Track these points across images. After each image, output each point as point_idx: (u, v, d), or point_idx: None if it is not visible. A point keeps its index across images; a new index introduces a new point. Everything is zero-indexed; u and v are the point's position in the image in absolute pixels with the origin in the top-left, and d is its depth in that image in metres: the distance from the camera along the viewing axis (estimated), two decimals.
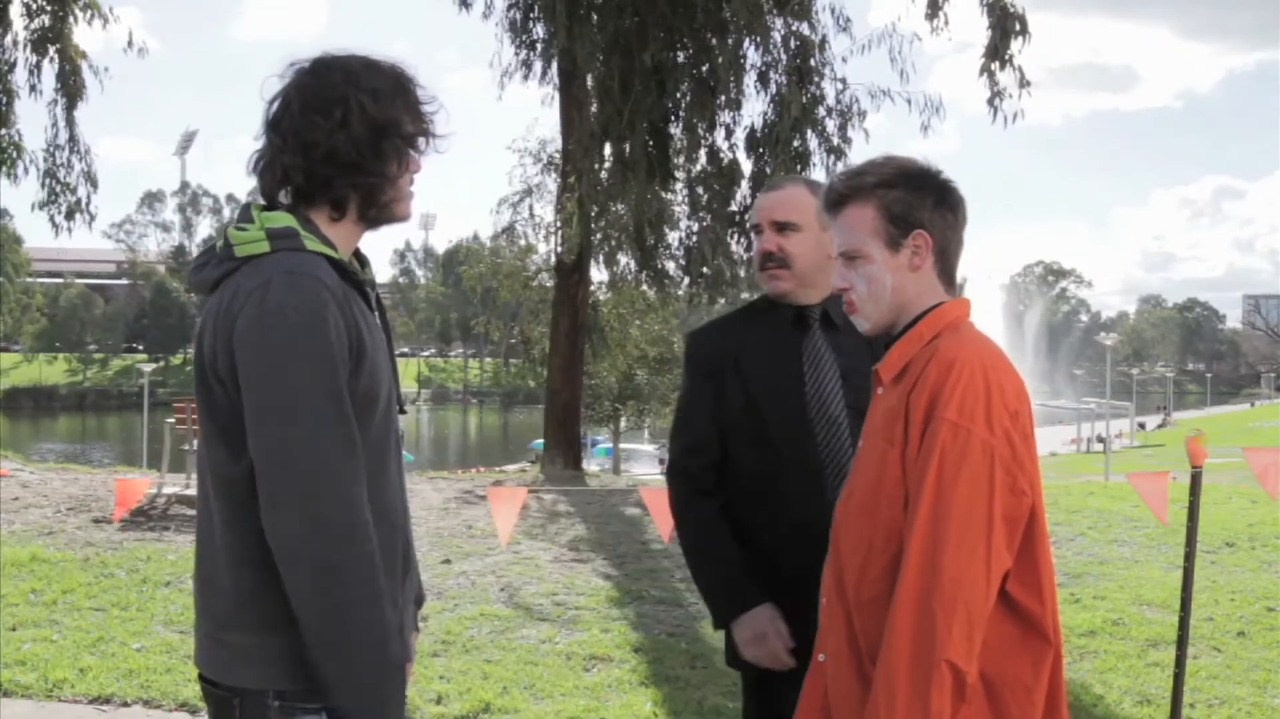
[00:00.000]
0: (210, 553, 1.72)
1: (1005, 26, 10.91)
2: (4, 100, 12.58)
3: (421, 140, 1.80)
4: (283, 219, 1.70)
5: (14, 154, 12.71)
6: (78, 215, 13.23)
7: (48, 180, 13.03)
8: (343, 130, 1.69)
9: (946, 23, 11.49)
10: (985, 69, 11.08)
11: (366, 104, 1.71)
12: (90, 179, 13.26)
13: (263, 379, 1.59)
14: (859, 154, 11.82)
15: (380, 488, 1.74)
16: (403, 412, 1.89)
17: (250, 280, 1.64)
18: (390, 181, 1.77)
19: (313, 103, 1.71)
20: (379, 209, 1.78)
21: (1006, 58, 11.00)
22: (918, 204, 1.83)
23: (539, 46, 14.39)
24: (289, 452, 1.58)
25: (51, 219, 13.17)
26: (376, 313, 1.84)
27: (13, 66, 12.59)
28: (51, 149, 13.00)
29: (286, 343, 1.59)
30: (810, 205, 2.37)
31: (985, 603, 1.65)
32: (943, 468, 1.67)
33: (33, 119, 14.30)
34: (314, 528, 1.58)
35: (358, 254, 1.87)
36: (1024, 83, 11.05)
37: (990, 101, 11.14)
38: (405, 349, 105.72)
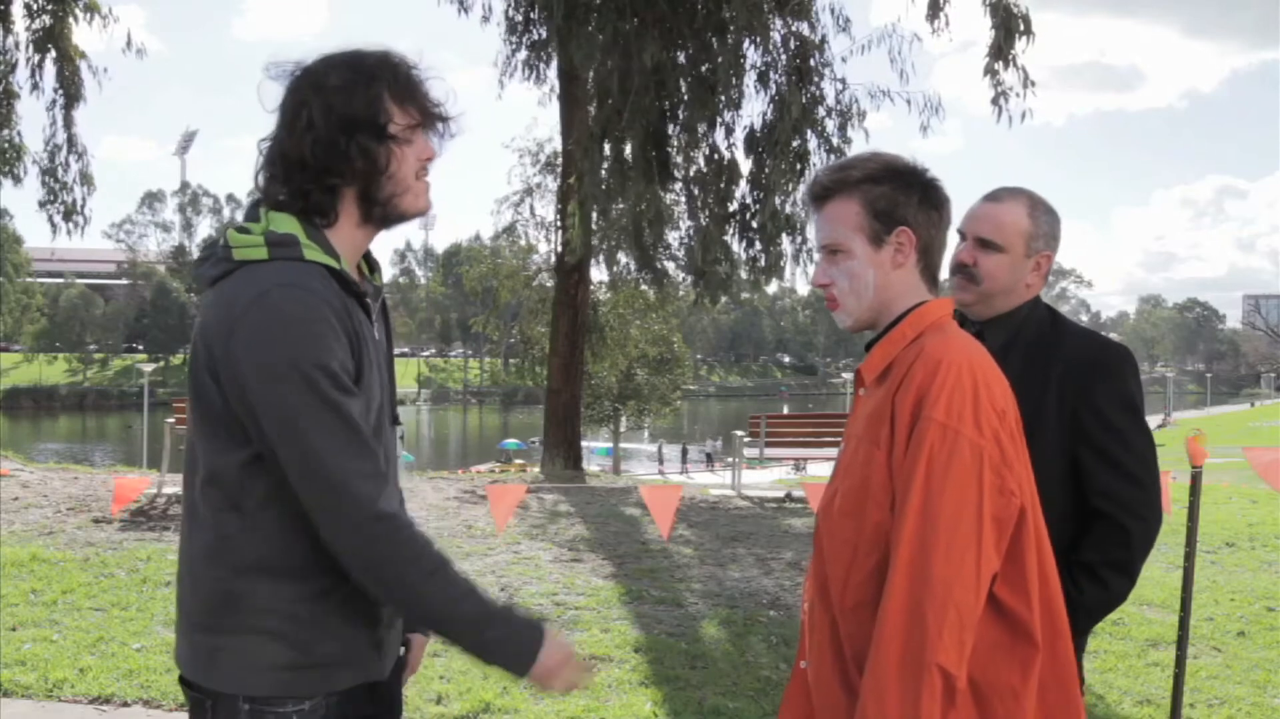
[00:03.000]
0: (188, 549, 1.71)
1: (1009, 26, 10.90)
2: (5, 102, 12.64)
3: (410, 120, 1.69)
4: (287, 224, 1.66)
5: (15, 155, 12.80)
6: (74, 216, 13.39)
7: (47, 180, 13.18)
8: (309, 134, 1.63)
9: (947, 24, 11.48)
10: (989, 69, 11.06)
11: (333, 102, 1.63)
12: (86, 180, 13.35)
13: (270, 398, 1.58)
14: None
15: None
16: (395, 423, 1.85)
17: (247, 289, 1.60)
18: (385, 176, 1.68)
19: (282, 114, 1.67)
20: (382, 206, 1.70)
21: (1010, 57, 10.99)
22: (903, 201, 1.81)
23: (538, 47, 14.41)
24: (308, 464, 1.59)
25: (50, 219, 13.37)
26: (379, 322, 1.79)
27: (14, 67, 12.71)
28: (50, 149, 13.13)
29: (287, 359, 1.56)
30: (1020, 227, 2.39)
31: (975, 605, 1.63)
32: (931, 469, 1.64)
33: (31, 119, 14.41)
34: (349, 531, 1.60)
35: (368, 257, 1.81)
36: (1028, 82, 11.04)
37: (995, 101, 11.13)
38: (405, 349, 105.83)
